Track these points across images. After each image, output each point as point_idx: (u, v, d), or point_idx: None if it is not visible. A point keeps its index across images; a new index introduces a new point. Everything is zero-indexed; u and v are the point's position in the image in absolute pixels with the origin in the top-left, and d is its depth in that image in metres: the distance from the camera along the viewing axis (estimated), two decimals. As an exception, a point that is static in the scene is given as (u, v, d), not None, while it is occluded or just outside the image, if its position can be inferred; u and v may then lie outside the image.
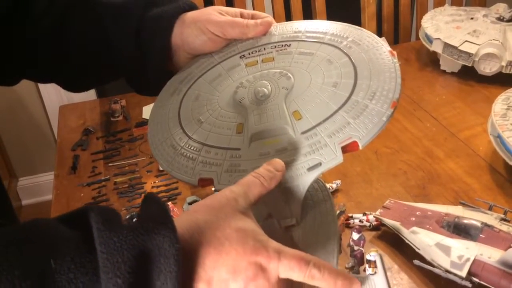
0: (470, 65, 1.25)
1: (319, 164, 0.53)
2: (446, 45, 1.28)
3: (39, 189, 2.41)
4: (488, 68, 1.24)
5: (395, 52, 0.59)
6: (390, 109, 0.54)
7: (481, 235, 0.76)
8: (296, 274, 0.44)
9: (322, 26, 0.67)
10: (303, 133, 0.55)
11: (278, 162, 0.52)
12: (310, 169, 0.53)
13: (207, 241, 0.44)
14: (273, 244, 0.45)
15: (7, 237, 0.40)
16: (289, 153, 0.54)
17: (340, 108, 0.55)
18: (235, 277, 0.43)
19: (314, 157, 0.53)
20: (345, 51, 0.61)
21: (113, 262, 0.39)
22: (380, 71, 0.57)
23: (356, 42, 0.62)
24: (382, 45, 0.60)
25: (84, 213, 0.42)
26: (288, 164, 0.53)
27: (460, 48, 1.25)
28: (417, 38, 1.53)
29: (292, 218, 0.53)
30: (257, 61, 0.65)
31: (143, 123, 1.24)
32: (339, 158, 0.52)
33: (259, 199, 0.50)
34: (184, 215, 0.47)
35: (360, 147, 0.53)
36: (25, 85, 0.67)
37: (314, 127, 0.55)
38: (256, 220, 0.48)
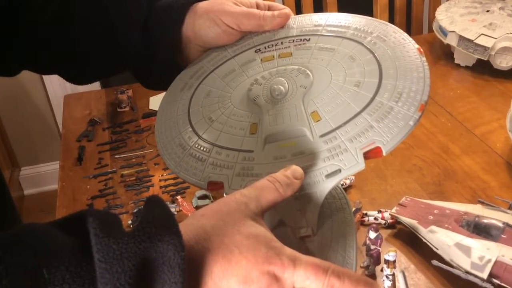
0: (485, 59, 1.22)
1: (339, 170, 0.49)
2: (461, 38, 1.24)
3: (41, 179, 2.39)
4: (504, 63, 1.21)
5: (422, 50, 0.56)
6: (418, 113, 0.50)
7: (502, 236, 0.73)
8: (313, 283, 0.41)
9: (344, 20, 0.63)
10: (321, 136, 0.51)
11: (298, 170, 0.48)
12: (329, 176, 0.49)
13: (214, 248, 0.41)
14: (288, 251, 0.42)
15: None
16: (307, 157, 0.51)
17: (362, 110, 0.51)
18: None
19: (333, 162, 0.49)
20: (369, 47, 0.57)
21: (112, 272, 0.36)
22: (407, 70, 0.53)
23: (381, 38, 0.58)
24: (410, 42, 0.56)
25: (81, 217, 0.38)
26: (305, 169, 0.49)
27: (476, 41, 1.22)
28: (430, 30, 1.50)
29: (307, 228, 0.48)
30: (273, 56, 0.61)
31: (150, 114, 1.21)
32: (360, 164, 0.49)
33: (272, 207, 0.46)
34: (189, 220, 0.43)
35: (384, 154, 0.49)
36: (28, 73, 0.64)
37: (334, 130, 0.51)
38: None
